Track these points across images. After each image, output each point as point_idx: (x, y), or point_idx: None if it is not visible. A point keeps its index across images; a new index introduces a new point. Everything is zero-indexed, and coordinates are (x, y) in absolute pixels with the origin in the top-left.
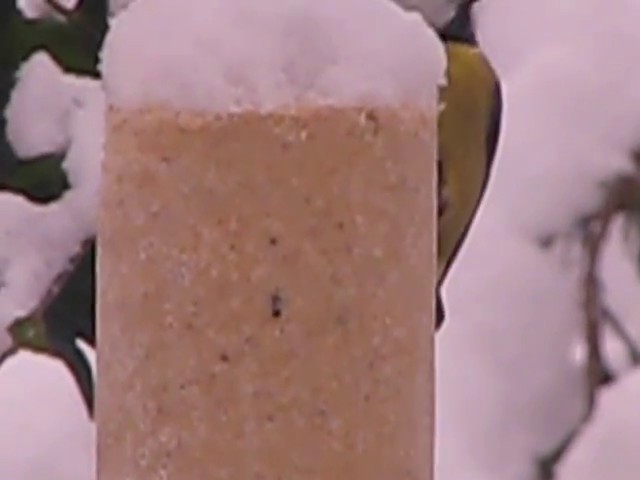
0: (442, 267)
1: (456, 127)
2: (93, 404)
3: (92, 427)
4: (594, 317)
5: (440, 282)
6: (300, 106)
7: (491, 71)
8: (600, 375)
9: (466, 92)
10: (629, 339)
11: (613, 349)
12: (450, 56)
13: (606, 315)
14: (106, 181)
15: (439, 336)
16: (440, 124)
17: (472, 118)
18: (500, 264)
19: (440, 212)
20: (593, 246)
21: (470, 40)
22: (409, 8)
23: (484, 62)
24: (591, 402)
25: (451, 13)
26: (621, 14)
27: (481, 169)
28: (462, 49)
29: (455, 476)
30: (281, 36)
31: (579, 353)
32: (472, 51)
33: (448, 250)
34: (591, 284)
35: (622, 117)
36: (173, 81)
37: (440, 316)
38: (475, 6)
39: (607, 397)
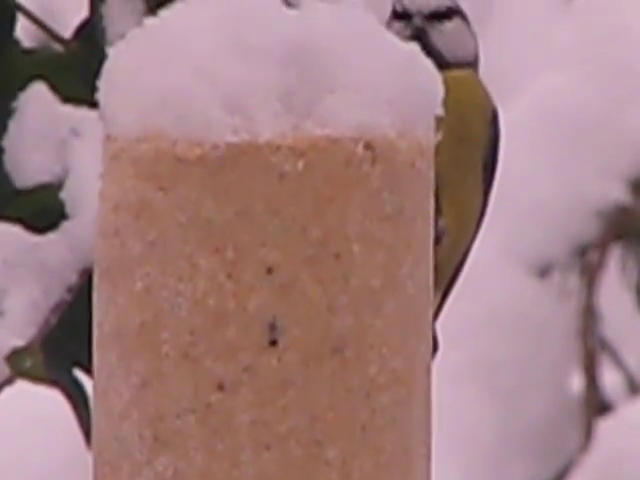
0: (439, 296)
1: (451, 154)
2: (90, 433)
3: (89, 456)
4: (592, 347)
5: (437, 312)
6: (297, 136)
7: (488, 97)
8: (598, 405)
9: (461, 118)
10: (627, 369)
11: (611, 379)
12: (445, 81)
13: (604, 345)
14: (103, 210)
15: (435, 365)
16: (435, 151)
17: (468, 145)
18: (497, 294)
19: (436, 241)
20: (591, 276)
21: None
22: None
23: (481, 88)
24: (588, 432)
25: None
26: (620, 44)
27: (478, 198)
28: (458, 74)
29: None
30: (278, 66)
31: (577, 383)
32: (468, 76)
33: (445, 279)
34: (589, 314)
35: (620, 147)
36: (170, 110)
37: (434, 346)
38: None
39: (605, 427)
